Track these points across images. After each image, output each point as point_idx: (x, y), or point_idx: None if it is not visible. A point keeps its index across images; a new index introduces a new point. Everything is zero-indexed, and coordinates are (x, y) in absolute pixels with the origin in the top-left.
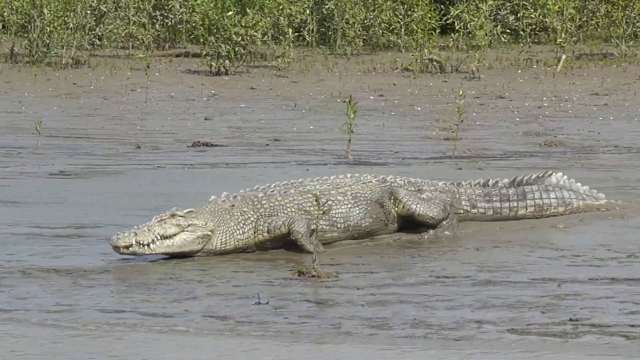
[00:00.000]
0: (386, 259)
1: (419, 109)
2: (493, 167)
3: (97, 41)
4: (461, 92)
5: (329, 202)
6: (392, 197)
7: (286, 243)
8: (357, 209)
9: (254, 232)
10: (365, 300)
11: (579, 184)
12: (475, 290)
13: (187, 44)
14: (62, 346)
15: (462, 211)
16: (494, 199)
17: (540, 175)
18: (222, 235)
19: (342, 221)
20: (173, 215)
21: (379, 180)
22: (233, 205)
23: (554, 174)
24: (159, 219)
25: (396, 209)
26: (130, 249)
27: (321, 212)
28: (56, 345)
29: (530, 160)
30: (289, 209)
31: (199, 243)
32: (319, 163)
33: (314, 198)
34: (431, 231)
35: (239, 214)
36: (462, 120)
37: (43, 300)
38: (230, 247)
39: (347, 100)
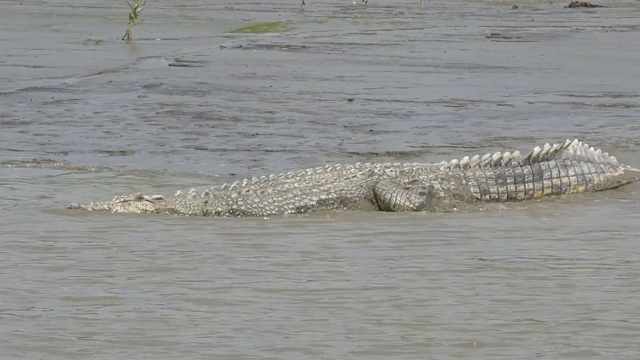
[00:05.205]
0: None
1: None
2: None
3: None
4: None
5: (312, 203)
6: (374, 193)
7: None
8: (343, 209)
9: None
10: None
11: (592, 148)
12: None
13: None
14: None
15: (470, 198)
16: (508, 180)
17: (558, 148)
18: None
19: None
20: (139, 199)
21: (365, 174)
22: (206, 202)
23: (571, 143)
24: (122, 200)
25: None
26: None
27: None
28: None
29: None
30: (268, 212)
31: None
32: None
33: (295, 197)
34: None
35: (213, 213)
36: None
37: None
38: None
39: None
